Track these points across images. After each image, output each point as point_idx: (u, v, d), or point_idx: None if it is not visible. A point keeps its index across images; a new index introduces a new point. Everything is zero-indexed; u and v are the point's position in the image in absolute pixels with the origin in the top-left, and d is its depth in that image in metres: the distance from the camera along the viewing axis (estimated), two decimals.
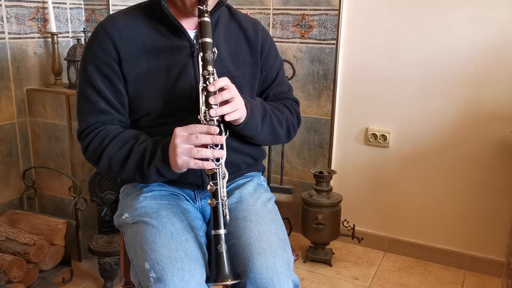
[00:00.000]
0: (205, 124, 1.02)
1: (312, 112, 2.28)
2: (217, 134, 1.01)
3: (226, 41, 1.18)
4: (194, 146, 1.00)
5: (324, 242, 2.13)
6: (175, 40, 1.13)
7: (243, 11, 1.40)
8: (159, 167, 1.04)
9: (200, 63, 1.04)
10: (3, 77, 1.95)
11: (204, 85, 1.03)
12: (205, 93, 1.03)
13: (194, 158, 1.00)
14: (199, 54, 1.05)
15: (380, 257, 2.22)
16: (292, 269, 1.06)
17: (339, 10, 2.11)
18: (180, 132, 1.01)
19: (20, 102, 2.03)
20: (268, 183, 2.21)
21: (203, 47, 1.04)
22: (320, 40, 2.19)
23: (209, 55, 1.04)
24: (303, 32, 2.22)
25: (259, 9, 2.29)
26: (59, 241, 1.86)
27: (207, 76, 1.03)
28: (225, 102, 1.05)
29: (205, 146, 1.01)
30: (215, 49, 1.05)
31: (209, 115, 1.02)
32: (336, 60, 2.17)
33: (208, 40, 1.05)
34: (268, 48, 1.24)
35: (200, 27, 1.06)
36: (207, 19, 1.06)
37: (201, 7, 1.06)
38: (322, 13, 2.16)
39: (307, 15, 2.19)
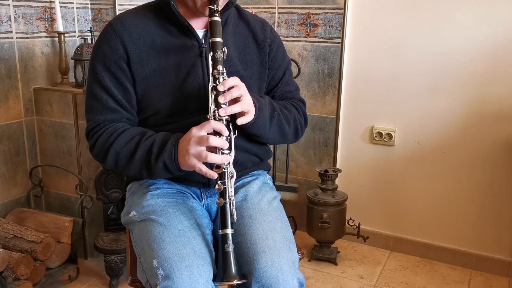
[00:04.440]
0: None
1: (317, 111, 2.28)
2: (226, 134, 1.01)
3: (234, 41, 1.19)
4: (205, 149, 1.00)
5: (329, 241, 2.13)
6: (184, 40, 1.13)
7: (249, 10, 1.40)
8: (167, 162, 1.04)
9: (210, 62, 1.04)
10: (11, 76, 1.96)
11: (214, 84, 1.03)
12: (215, 93, 1.03)
13: (203, 162, 1.00)
14: (209, 54, 1.05)
15: (385, 256, 2.21)
16: (297, 267, 1.07)
17: (344, 8, 2.11)
18: (196, 133, 1.01)
19: (28, 101, 2.04)
20: (273, 182, 2.20)
21: (213, 46, 1.04)
22: (325, 38, 2.19)
23: (219, 55, 1.04)
24: (308, 30, 2.22)
25: (264, 8, 2.29)
26: (65, 239, 1.87)
27: (216, 76, 1.04)
28: (234, 101, 1.05)
29: (214, 147, 1.01)
30: (225, 49, 1.05)
31: (218, 115, 1.02)
32: (341, 59, 2.17)
33: (219, 39, 1.05)
34: (276, 48, 1.24)
35: (211, 26, 1.06)
36: (217, 18, 1.06)
37: (212, 7, 1.06)
38: (327, 12, 2.15)
39: (312, 13, 2.19)
